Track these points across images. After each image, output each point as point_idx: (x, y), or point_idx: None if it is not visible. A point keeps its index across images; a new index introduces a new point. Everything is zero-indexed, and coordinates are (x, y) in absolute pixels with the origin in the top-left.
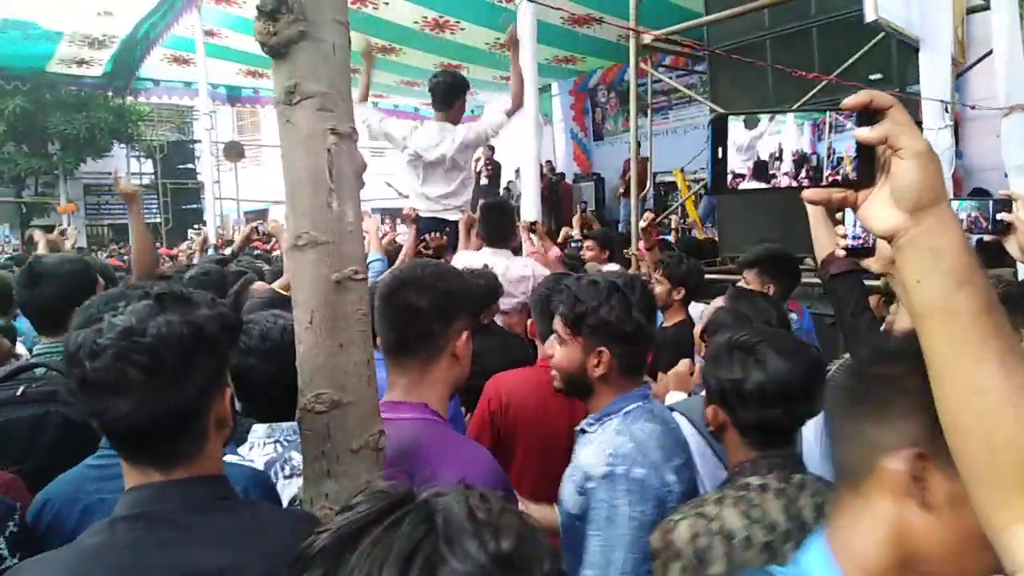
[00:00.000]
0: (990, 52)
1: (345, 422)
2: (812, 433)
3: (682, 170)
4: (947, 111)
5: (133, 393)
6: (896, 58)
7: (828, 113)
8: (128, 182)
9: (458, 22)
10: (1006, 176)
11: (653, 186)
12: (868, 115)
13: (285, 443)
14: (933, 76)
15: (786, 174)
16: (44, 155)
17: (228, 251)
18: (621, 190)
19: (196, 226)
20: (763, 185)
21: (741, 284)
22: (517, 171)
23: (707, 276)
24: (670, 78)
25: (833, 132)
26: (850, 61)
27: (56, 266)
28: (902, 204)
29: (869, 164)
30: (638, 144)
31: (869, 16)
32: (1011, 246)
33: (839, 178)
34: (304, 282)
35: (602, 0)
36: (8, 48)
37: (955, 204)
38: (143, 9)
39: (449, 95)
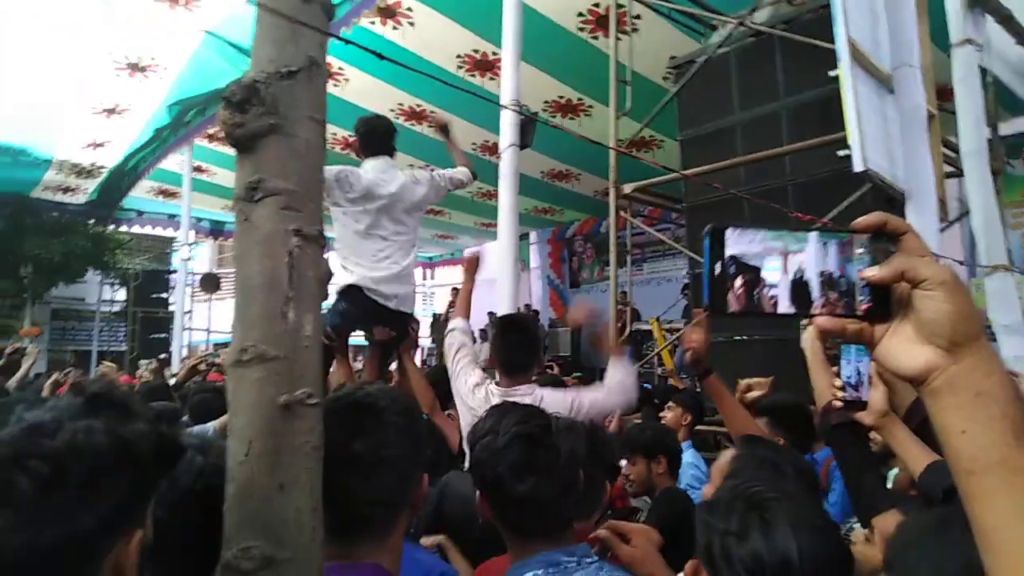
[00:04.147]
0: (966, 213)
1: None
2: None
3: (658, 319)
4: None
5: (16, 510)
6: None
7: (842, 235)
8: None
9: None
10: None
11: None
12: (882, 240)
13: None
14: (921, 230)
15: (799, 299)
16: (15, 278)
17: (173, 381)
18: None
19: (161, 356)
20: (770, 310)
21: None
22: (490, 314)
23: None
24: (653, 229)
25: (855, 256)
26: (829, 216)
27: None
28: (936, 340)
29: (883, 298)
30: (623, 293)
31: (858, 166)
32: None
33: (857, 310)
34: (244, 405)
35: (581, 157)
36: None
37: None
38: (135, 142)
39: (388, 138)
